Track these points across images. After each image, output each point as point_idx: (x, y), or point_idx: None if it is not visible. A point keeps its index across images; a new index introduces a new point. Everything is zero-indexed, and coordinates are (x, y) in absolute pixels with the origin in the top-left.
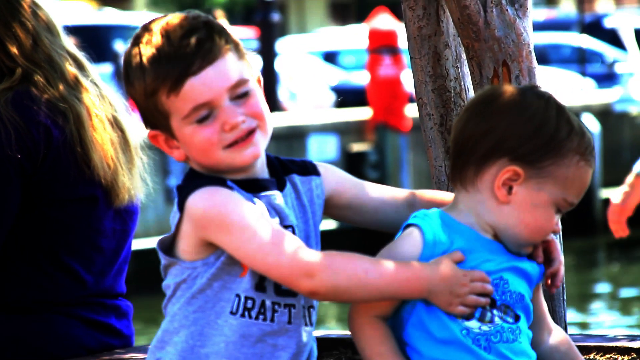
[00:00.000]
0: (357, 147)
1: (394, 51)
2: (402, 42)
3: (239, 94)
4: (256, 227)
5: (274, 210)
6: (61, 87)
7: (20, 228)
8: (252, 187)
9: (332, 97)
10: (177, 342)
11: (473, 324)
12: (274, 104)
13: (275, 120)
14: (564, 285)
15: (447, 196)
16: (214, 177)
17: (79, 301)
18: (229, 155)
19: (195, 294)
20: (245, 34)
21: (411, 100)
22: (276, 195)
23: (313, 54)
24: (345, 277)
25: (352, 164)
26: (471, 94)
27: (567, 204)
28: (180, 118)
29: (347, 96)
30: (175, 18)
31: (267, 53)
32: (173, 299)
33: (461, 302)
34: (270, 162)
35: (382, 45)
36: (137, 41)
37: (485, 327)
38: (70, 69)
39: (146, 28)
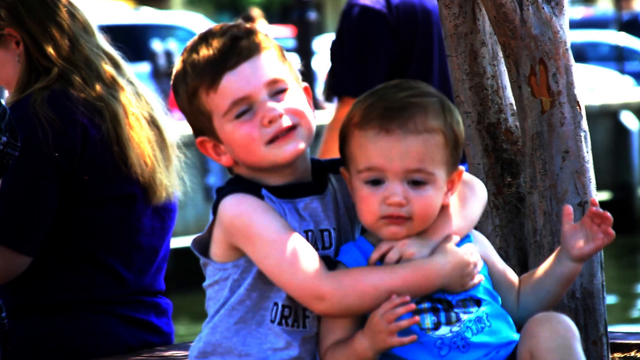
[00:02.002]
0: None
1: None
2: None
3: (277, 90)
4: (276, 242)
5: (309, 216)
6: (98, 86)
7: (58, 228)
8: (289, 193)
9: None
10: (222, 353)
11: (443, 331)
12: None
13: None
14: (604, 283)
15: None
16: (250, 184)
17: (119, 299)
18: (271, 151)
19: (235, 306)
20: (282, 33)
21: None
22: (314, 200)
23: None
24: (356, 297)
25: None
26: (508, 91)
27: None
28: (221, 115)
29: None
30: (217, 26)
31: (304, 52)
32: (209, 302)
33: (471, 278)
34: (313, 165)
35: None
36: (182, 53)
37: (455, 328)
38: (107, 68)
39: (193, 40)
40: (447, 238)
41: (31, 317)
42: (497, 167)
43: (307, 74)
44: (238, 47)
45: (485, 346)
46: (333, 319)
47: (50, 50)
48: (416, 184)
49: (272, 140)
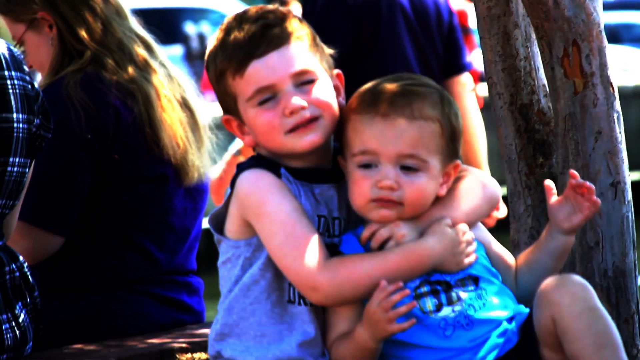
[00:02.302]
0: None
1: (464, 31)
2: (473, 22)
3: (303, 81)
4: (285, 224)
5: (325, 202)
6: (130, 69)
7: (91, 209)
8: (309, 176)
9: None
10: (238, 334)
11: (446, 311)
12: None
13: None
14: (636, 262)
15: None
16: (270, 162)
17: (151, 279)
18: (290, 140)
19: (249, 286)
20: None
21: (482, 79)
22: (330, 188)
23: None
24: (350, 287)
25: None
26: (541, 73)
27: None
28: (245, 100)
29: None
30: (254, 8)
31: None
32: (222, 280)
33: (465, 256)
34: (335, 152)
35: None
36: (217, 31)
37: (457, 307)
38: (140, 51)
39: (229, 19)
40: (438, 220)
41: (64, 297)
42: (529, 148)
43: None
44: (269, 35)
45: (489, 322)
46: (336, 311)
47: (83, 33)
48: (409, 169)
49: (292, 130)
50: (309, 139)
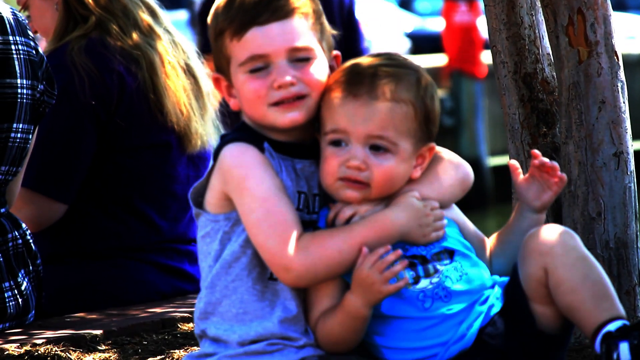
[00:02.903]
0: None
1: None
2: None
3: (299, 57)
4: (265, 200)
5: (304, 178)
6: (135, 34)
7: (94, 176)
8: (291, 151)
9: (407, 44)
10: (221, 312)
11: (424, 284)
12: None
13: None
14: (638, 233)
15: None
16: (255, 134)
17: (153, 247)
18: (272, 113)
19: (230, 263)
20: None
21: (487, 46)
22: (312, 164)
23: (388, 0)
24: (323, 266)
25: None
26: (546, 41)
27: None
28: (237, 64)
29: (422, 43)
30: None
31: None
32: (200, 255)
33: (433, 229)
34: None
35: None
36: None
37: (435, 279)
38: (144, 16)
39: None
40: (404, 192)
41: (66, 264)
42: (532, 117)
43: None
44: (274, 5)
45: (466, 293)
46: (317, 289)
47: None
48: (378, 151)
49: (277, 104)
50: (290, 116)
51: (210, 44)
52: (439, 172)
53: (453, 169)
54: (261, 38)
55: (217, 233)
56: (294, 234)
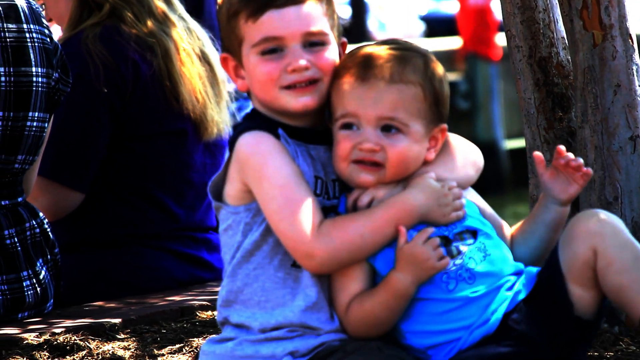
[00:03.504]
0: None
1: None
2: None
3: (314, 41)
4: (284, 187)
5: (320, 164)
6: (149, 22)
7: (110, 164)
8: (305, 137)
9: (422, 27)
10: (243, 300)
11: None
12: (364, 34)
13: None
14: None
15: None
16: (268, 121)
17: (170, 234)
18: (284, 96)
19: (251, 251)
20: None
21: (502, 29)
22: (327, 149)
23: None
24: (345, 251)
25: None
26: (560, 25)
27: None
28: (250, 45)
29: (437, 25)
30: None
31: None
32: (224, 248)
33: (452, 209)
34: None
35: None
36: None
37: (458, 261)
38: (158, 3)
39: None
40: (420, 174)
41: (84, 252)
42: (548, 102)
43: (359, 5)
44: None
45: (490, 275)
46: (343, 274)
47: None
48: (390, 131)
49: (289, 87)
50: (302, 100)
51: (220, 25)
52: (451, 153)
53: (465, 151)
54: (278, 21)
55: (239, 225)
56: (315, 220)
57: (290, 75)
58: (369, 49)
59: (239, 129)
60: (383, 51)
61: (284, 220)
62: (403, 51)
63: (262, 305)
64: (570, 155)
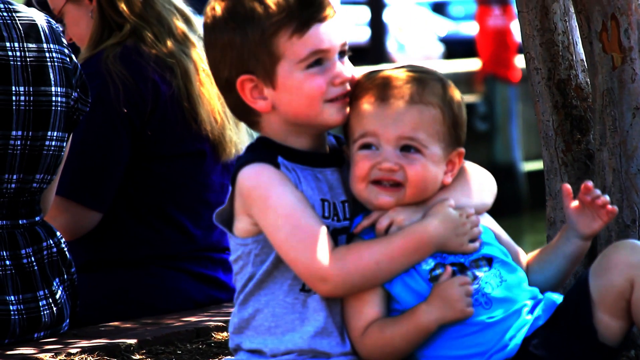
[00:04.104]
0: (466, 98)
1: (503, 1)
2: None
3: (344, 52)
4: (290, 216)
5: (327, 186)
6: (169, 42)
7: (128, 184)
8: (311, 160)
9: (441, 48)
10: (255, 327)
11: None
12: (383, 56)
13: None
14: None
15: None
16: (267, 152)
17: (187, 255)
18: (328, 109)
19: (262, 278)
20: None
21: (521, 50)
22: (334, 172)
23: (422, 4)
24: (359, 276)
25: None
26: (579, 47)
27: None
28: (295, 62)
29: (456, 47)
30: None
31: (376, 4)
32: (237, 276)
33: (470, 238)
34: (329, 139)
35: None
36: None
37: (475, 285)
38: (179, 24)
39: None
40: (440, 201)
41: (100, 272)
42: (566, 124)
43: (378, 27)
44: (325, 3)
45: (507, 300)
46: (359, 298)
47: (123, 6)
48: (409, 151)
49: (333, 100)
50: (343, 113)
51: (239, 48)
52: (468, 178)
53: (480, 176)
54: (323, 34)
55: (249, 256)
56: (325, 244)
57: (336, 88)
58: (387, 72)
59: (239, 162)
60: (402, 73)
61: (294, 249)
62: (421, 74)
63: (273, 331)
64: (597, 191)
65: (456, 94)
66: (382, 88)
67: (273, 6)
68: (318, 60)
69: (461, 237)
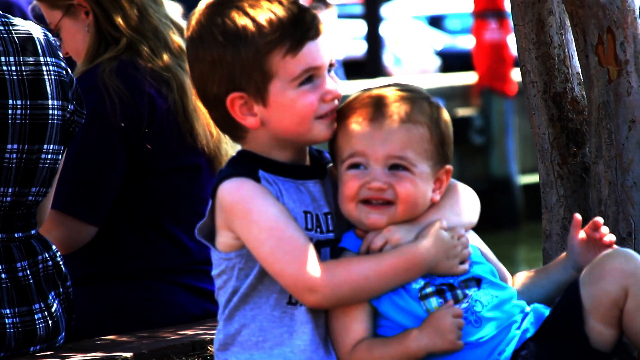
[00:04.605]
0: (463, 112)
1: (499, 15)
2: (508, 6)
3: (331, 68)
4: (273, 229)
5: (310, 197)
6: (165, 56)
7: (124, 198)
8: (293, 173)
9: (437, 62)
10: (241, 342)
11: None
12: (379, 69)
13: None
14: None
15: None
16: (247, 166)
17: (183, 269)
18: (317, 126)
19: (248, 292)
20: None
21: (517, 64)
22: (317, 184)
23: (418, 18)
24: (347, 289)
25: (458, 129)
26: (575, 60)
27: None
28: (288, 80)
29: (452, 61)
30: None
31: (372, 18)
32: (220, 291)
33: (460, 260)
34: (310, 151)
35: (487, 8)
36: (237, 7)
37: (464, 304)
38: (175, 38)
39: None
40: (432, 222)
41: (96, 285)
42: (562, 137)
43: (374, 40)
44: (315, 21)
45: (496, 319)
46: (347, 314)
47: (119, 20)
48: (398, 169)
49: (322, 116)
50: (332, 128)
51: (223, 65)
52: (457, 196)
53: (467, 194)
54: (315, 51)
55: (233, 270)
56: (312, 255)
57: (326, 105)
58: (375, 91)
59: (220, 176)
60: (389, 92)
61: (280, 261)
62: (408, 92)
63: (260, 346)
64: (606, 229)
65: (443, 112)
66: (370, 108)
67: (266, 24)
68: (309, 77)
69: (452, 260)
